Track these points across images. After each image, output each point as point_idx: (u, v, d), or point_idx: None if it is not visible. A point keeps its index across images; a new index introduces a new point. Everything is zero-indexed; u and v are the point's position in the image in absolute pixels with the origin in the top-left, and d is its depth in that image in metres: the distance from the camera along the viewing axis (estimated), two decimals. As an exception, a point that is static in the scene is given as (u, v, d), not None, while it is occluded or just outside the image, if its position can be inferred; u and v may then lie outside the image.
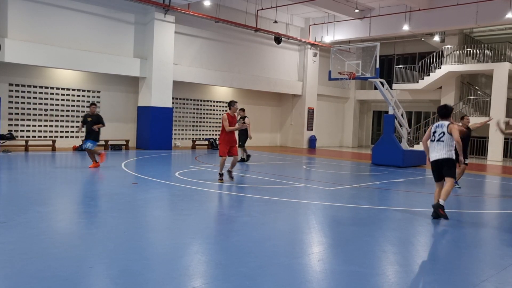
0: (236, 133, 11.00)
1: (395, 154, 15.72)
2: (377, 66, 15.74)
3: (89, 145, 11.78)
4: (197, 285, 3.96)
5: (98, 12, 17.81)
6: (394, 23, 21.71)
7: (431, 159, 7.21)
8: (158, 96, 19.06)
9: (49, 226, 5.90)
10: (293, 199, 8.59)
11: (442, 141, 7.07)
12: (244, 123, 14.51)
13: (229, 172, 10.30)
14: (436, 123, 7.27)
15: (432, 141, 7.21)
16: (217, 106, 23.45)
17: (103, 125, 12.08)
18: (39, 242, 5.03)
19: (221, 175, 10.18)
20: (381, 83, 16.32)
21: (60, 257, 4.52)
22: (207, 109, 23.09)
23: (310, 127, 25.93)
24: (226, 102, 23.61)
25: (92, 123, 11.88)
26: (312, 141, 25.63)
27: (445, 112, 7.24)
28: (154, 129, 19.03)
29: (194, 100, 22.52)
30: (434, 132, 7.21)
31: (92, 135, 11.91)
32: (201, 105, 22.74)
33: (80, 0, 17.24)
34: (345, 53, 18.21)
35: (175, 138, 21.64)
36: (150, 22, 18.89)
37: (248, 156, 15.55)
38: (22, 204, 7.11)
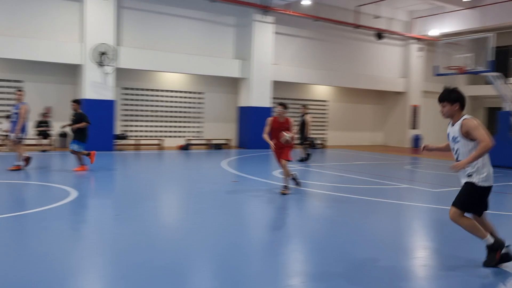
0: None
1: (511, 155, 14.30)
2: (491, 58, 14.49)
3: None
4: (293, 283, 3.95)
5: (200, 16, 18.63)
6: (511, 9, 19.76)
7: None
8: (258, 96, 19.43)
9: (156, 220, 6.31)
10: (395, 200, 8.21)
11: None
12: (303, 121, 14.09)
13: (294, 179, 9.05)
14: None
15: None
16: (317, 105, 23.18)
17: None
18: (148, 234, 5.38)
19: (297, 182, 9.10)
20: (496, 77, 15.00)
21: (165, 249, 4.79)
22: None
23: (414, 126, 24.66)
24: (325, 101, 23.30)
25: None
26: (416, 140, 24.35)
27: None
28: (254, 128, 19.38)
29: (293, 99, 22.51)
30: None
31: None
32: (299, 104, 22.69)
33: (183, 6, 18.20)
34: (453, 46, 17.03)
35: (274, 137, 21.83)
36: (249, 24, 19.30)
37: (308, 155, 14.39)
38: (135, 199, 7.69)
